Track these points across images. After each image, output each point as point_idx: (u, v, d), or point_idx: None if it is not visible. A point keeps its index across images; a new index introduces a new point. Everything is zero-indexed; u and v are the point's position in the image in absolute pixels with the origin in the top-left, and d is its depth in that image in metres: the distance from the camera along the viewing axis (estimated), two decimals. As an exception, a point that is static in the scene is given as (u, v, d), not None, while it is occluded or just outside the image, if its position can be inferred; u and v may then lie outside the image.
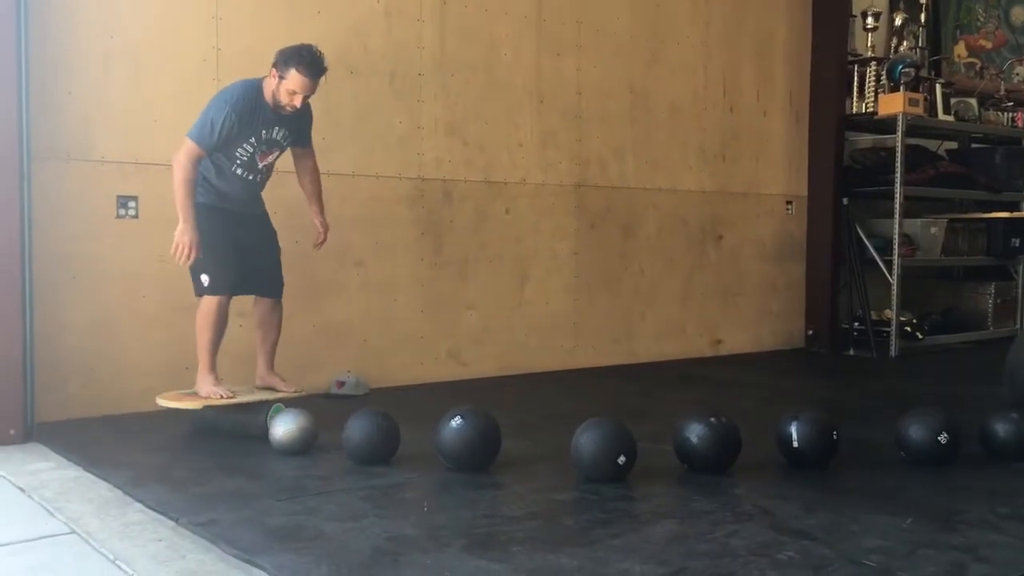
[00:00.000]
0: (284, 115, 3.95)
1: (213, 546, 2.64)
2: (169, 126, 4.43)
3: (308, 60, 3.85)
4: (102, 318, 4.31)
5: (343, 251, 4.93)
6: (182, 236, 3.83)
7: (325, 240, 4.29)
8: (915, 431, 3.53)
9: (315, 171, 4.26)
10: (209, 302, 3.97)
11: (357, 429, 3.50)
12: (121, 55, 4.35)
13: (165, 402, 3.97)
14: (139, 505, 3.02)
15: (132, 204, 4.39)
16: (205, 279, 3.95)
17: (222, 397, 3.93)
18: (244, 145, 3.92)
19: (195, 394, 4.01)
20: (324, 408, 4.24)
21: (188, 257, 3.84)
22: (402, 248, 5.22)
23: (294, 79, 3.84)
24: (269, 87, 3.90)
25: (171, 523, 2.85)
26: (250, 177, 4.02)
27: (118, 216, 4.36)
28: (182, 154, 3.84)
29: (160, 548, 2.64)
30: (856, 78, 6.92)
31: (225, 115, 3.81)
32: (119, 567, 2.50)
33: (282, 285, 4.21)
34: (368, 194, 5.07)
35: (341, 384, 4.84)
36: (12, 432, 3.87)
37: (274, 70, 3.88)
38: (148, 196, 4.40)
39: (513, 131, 5.61)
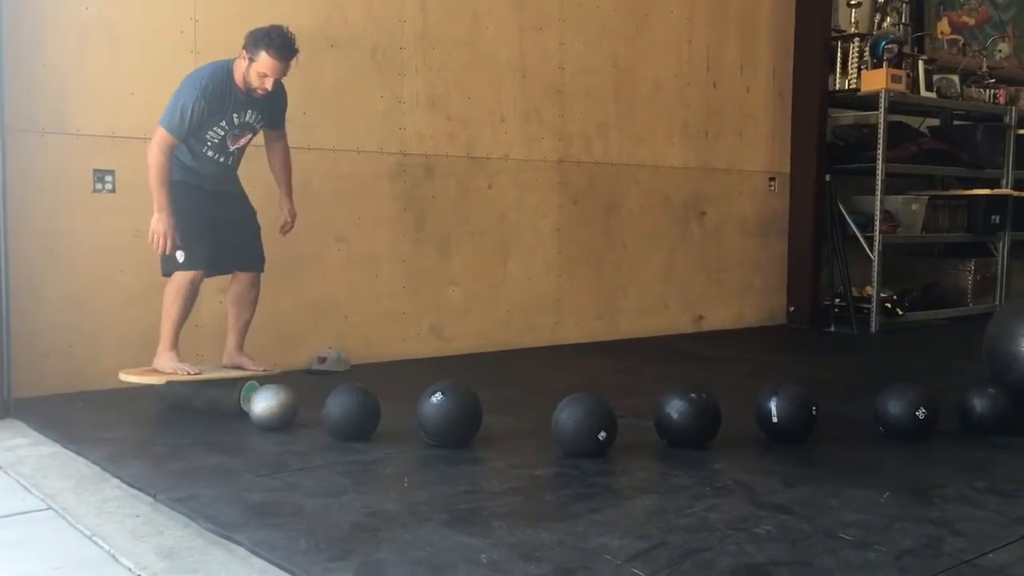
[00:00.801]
0: (256, 98, 3.88)
1: (191, 522, 2.63)
2: (146, 99, 4.38)
3: (279, 42, 3.77)
4: (79, 294, 4.27)
5: (324, 227, 4.90)
6: (158, 225, 3.79)
7: (292, 227, 4.24)
8: (893, 406, 3.56)
9: (286, 155, 4.20)
10: (182, 277, 3.89)
11: (338, 405, 3.49)
12: (97, 27, 4.29)
13: (129, 377, 3.90)
14: (117, 481, 3.01)
15: (108, 178, 4.34)
16: (180, 255, 3.88)
17: (188, 374, 3.87)
18: (215, 128, 3.86)
19: (155, 371, 3.94)
20: (305, 384, 4.23)
21: (164, 246, 3.81)
22: (384, 224, 5.19)
23: (264, 62, 3.77)
24: (239, 69, 3.82)
25: (149, 499, 2.83)
26: (221, 159, 3.96)
27: (95, 190, 4.31)
28: (155, 144, 3.79)
29: (138, 524, 2.63)
30: (839, 54, 6.91)
31: (195, 100, 3.75)
32: (96, 543, 2.49)
33: (263, 260, 4.16)
34: (349, 169, 5.03)
35: (322, 360, 4.83)
36: (-11, 408, 3.84)
37: (244, 52, 3.81)
38: (125, 170, 4.35)
39: (496, 106, 5.57)
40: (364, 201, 5.11)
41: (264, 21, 3.88)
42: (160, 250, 3.83)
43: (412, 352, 5.26)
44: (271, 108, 4.02)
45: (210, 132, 3.86)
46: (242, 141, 3.99)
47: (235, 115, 3.88)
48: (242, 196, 4.15)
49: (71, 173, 4.25)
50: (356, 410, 3.49)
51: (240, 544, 2.45)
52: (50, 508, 2.77)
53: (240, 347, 4.14)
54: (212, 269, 4.02)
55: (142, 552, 2.42)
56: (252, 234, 4.14)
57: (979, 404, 3.65)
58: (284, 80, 3.96)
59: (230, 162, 4.01)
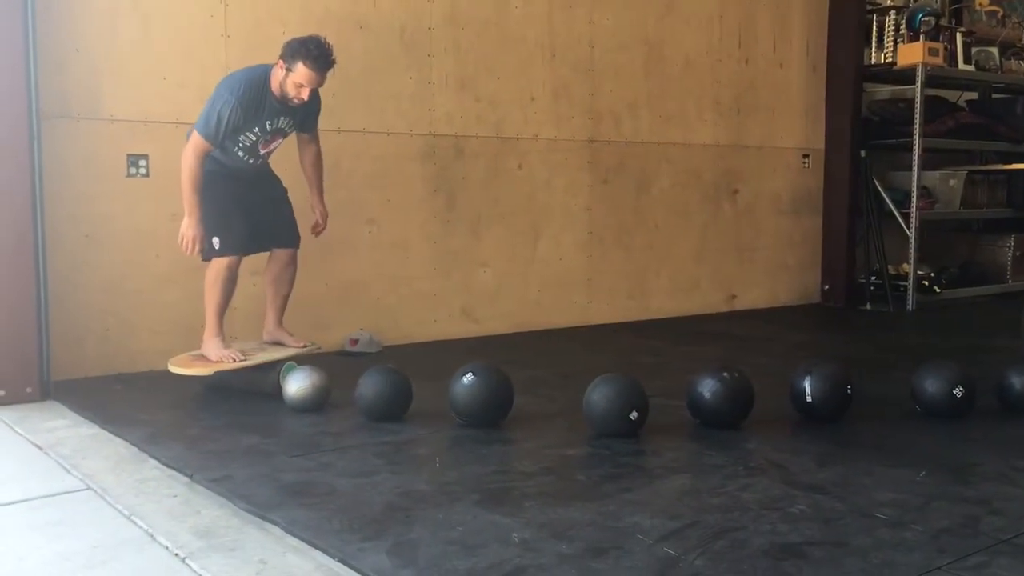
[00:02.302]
0: (290, 106, 3.90)
1: (227, 502, 2.66)
2: (177, 83, 4.41)
3: (315, 53, 3.78)
4: (116, 278, 4.33)
5: (355, 209, 4.91)
6: (187, 229, 3.84)
7: (324, 228, 4.26)
8: (930, 384, 3.52)
9: (318, 158, 4.21)
10: (219, 263, 3.95)
11: (370, 386, 3.51)
12: (128, 11, 4.31)
13: (177, 368, 3.98)
14: (154, 462, 3.05)
15: (143, 163, 4.37)
16: (216, 241, 3.93)
17: (233, 360, 3.93)
18: (247, 134, 3.89)
19: (203, 357, 4.01)
20: (337, 365, 4.26)
21: (193, 250, 3.87)
22: (414, 205, 5.20)
23: (301, 72, 3.78)
24: (276, 78, 3.84)
25: (186, 479, 2.87)
26: (251, 161, 3.99)
27: (129, 175, 4.35)
28: (189, 149, 3.81)
29: (175, 504, 2.67)
30: (875, 27, 6.79)
31: (232, 108, 3.77)
32: (134, 522, 2.53)
33: (298, 236, 4.21)
34: (379, 151, 5.04)
35: (355, 342, 4.86)
36: (29, 391, 3.90)
37: (281, 62, 3.83)
38: (158, 154, 4.38)
39: (525, 85, 5.54)
40: (394, 183, 5.11)
41: (294, 5, 3.89)
42: (189, 253, 3.89)
43: (443, 333, 5.27)
44: (304, 113, 4.04)
45: (242, 136, 3.89)
46: (272, 145, 4.03)
47: (268, 122, 3.90)
48: (272, 175, 4.19)
49: (105, 158, 4.29)
50: (388, 391, 3.51)
51: (275, 523, 2.48)
52: (89, 488, 2.82)
53: (279, 322, 4.20)
54: (249, 251, 4.07)
55: (179, 531, 2.45)
56: (286, 211, 4.19)
57: (1018, 382, 3.59)
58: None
59: (258, 163, 4.05)
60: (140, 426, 3.43)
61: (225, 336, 4.04)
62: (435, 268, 5.28)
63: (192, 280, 4.43)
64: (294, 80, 3.80)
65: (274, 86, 3.85)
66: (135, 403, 3.81)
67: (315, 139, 4.20)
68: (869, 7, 6.83)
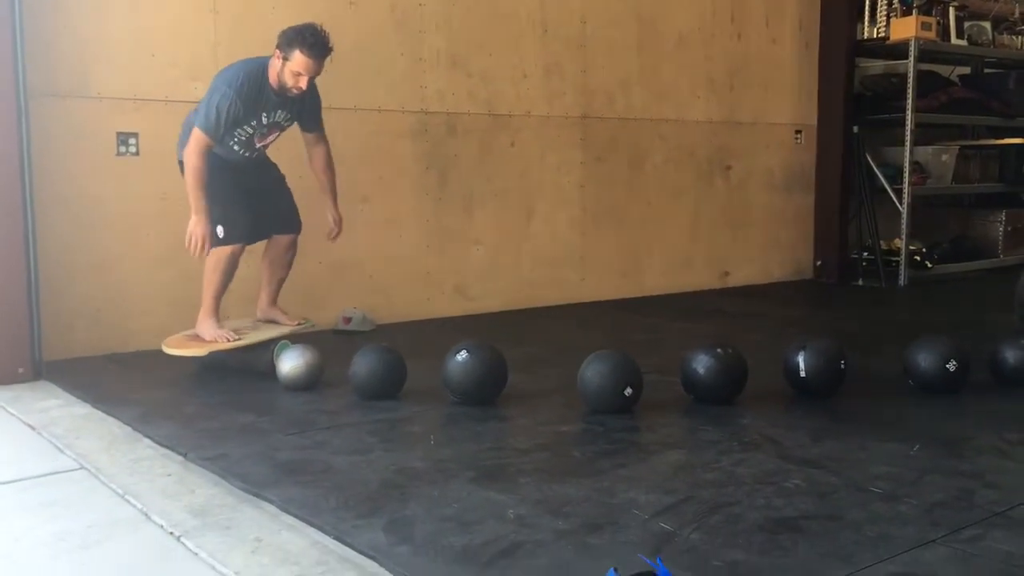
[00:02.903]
0: (288, 98, 3.84)
1: (222, 480, 2.66)
2: (167, 61, 4.37)
3: (311, 40, 3.72)
4: (106, 257, 4.30)
5: (348, 187, 4.84)
6: (195, 228, 3.80)
7: (339, 232, 4.23)
8: (923, 359, 3.52)
9: (328, 160, 4.14)
10: (222, 251, 3.92)
11: (364, 364, 3.51)
12: (115, -12, 4.26)
13: (171, 349, 3.98)
14: (148, 441, 3.04)
15: (132, 141, 4.34)
16: (220, 230, 3.88)
17: (228, 340, 3.92)
18: (244, 127, 3.84)
19: (197, 337, 4.00)
20: (331, 344, 4.25)
21: (202, 249, 3.82)
22: (407, 183, 5.17)
23: (299, 61, 3.73)
24: (274, 69, 3.78)
25: (180, 458, 2.87)
26: (246, 154, 3.96)
27: (119, 154, 4.31)
28: (192, 147, 3.76)
29: (169, 483, 2.66)
30: (868, 2, 6.75)
31: (231, 102, 3.72)
32: (128, 501, 2.53)
33: (299, 222, 4.18)
34: (371, 129, 5.00)
35: (348, 320, 4.85)
36: (21, 371, 3.89)
37: (278, 51, 3.76)
38: (148, 133, 4.35)
39: (517, 62, 5.50)
40: (386, 161, 5.08)
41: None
42: (197, 254, 3.85)
43: (436, 311, 5.26)
44: (302, 109, 3.98)
45: (239, 131, 3.84)
46: (269, 139, 3.99)
47: (265, 115, 3.86)
48: (268, 162, 4.16)
49: (94, 136, 4.25)
50: (382, 369, 3.51)
51: (270, 501, 2.48)
52: (83, 468, 2.81)
53: (273, 301, 4.19)
54: (251, 240, 4.06)
55: (174, 510, 2.45)
56: (285, 197, 4.16)
57: (1011, 356, 3.60)
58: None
59: (254, 156, 4.01)
60: (133, 405, 3.42)
61: (220, 316, 4.03)
62: (428, 246, 5.26)
63: (184, 259, 4.39)
64: (292, 69, 3.74)
65: (272, 77, 3.79)
66: (128, 383, 3.80)
67: (322, 139, 4.12)
68: (862, -19, 6.80)
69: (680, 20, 6.14)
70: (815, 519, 2.32)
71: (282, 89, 3.80)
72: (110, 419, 3.30)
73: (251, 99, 3.77)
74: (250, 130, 3.87)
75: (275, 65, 3.78)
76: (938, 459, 2.77)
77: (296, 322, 4.15)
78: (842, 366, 3.46)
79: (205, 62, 4.45)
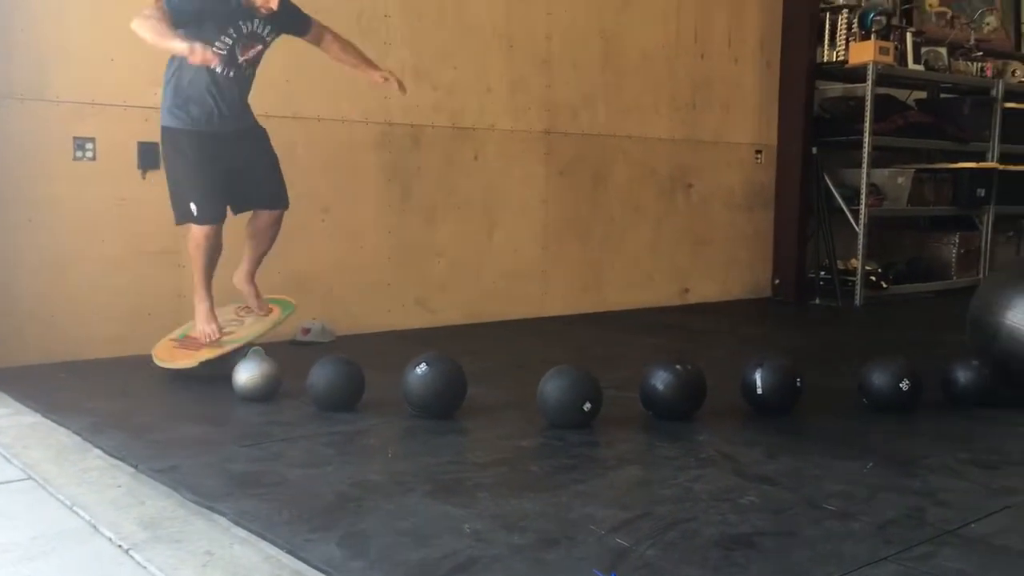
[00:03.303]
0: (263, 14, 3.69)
1: (174, 492, 2.61)
2: (126, 65, 4.32)
3: None
4: (61, 263, 4.23)
5: (309, 197, 4.84)
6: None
7: (398, 82, 4.09)
8: (877, 378, 3.57)
9: (340, 42, 4.03)
10: (198, 231, 3.83)
11: (322, 375, 3.47)
12: (75, -9, 4.21)
13: (160, 362, 3.93)
14: (98, 451, 2.98)
15: (89, 146, 4.27)
16: (193, 208, 3.79)
17: (210, 339, 3.89)
18: (223, 37, 3.65)
19: (185, 343, 3.94)
20: (289, 355, 4.20)
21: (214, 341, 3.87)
22: (369, 194, 5.15)
23: None
24: None
25: (131, 469, 2.81)
26: (229, 73, 3.75)
27: (75, 158, 4.25)
28: (142, 18, 3.50)
29: (119, 494, 2.61)
30: (828, 26, 6.87)
31: None
32: (76, 513, 2.47)
33: (286, 198, 4.05)
34: (334, 139, 4.98)
35: (307, 331, 4.81)
36: (-31, 378, 3.80)
37: None
38: (106, 137, 4.29)
39: (482, 76, 5.52)
40: (349, 172, 5.06)
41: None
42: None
43: (397, 324, 5.23)
44: (280, 20, 3.80)
45: (217, 43, 3.63)
46: (251, 52, 3.78)
47: (242, 22, 3.68)
48: (256, 131, 3.99)
49: (51, 140, 4.19)
50: (341, 381, 3.47)
51: (222, 514, 2.44)
52: (30, 478, 2.75)
53: (251, 277, 4.12)
54: (233, 212, 3.96)
55: (123, 522, 2.40)
56: (270, 171, 4.01)
57: (962, 376, 3.66)
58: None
59: (238, 78, 3.80)
60: (84, 415, 3.35)
61: (212, 305, 3.97)
62: (389, 258, 5.24)
63: (141, 265, 4.36)
64: None
65: None
66: (79, 391, 3.73)
67: (322, 29, 3.99)
68: (822, 5, 6.91)
69: (644, 38, 6.20)
70: (770, 536, 2.33)
71: (252, 8, 3.66)
72: (60, 429, 3.23)
73: (208, 5, 3.60)
74: (229, 40, 3.67)
75: None
76: (891, 477, 2.80)
77: (265, 311, 4.10)
78: (798, 384, 3.50)
79: (165, 67, 4.40)
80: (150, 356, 4.02)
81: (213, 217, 3.84)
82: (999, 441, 3.23)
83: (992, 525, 2.42)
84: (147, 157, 4.38)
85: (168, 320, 4.44)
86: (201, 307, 3.95)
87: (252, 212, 4.05)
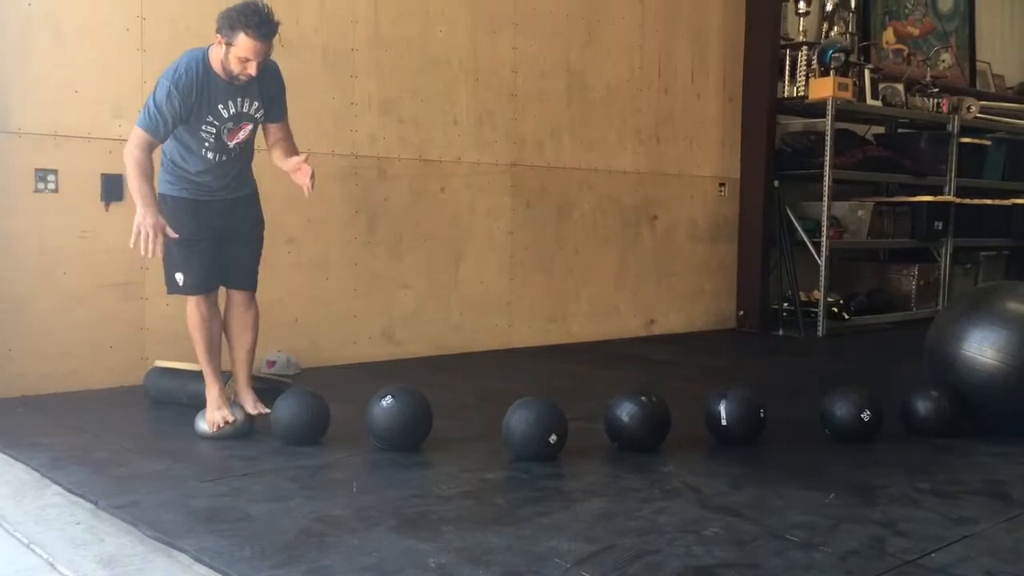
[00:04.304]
0: (244, 85, 3.45)
1: (134, 529, 2.57)
2: (91, 97, 4.31)
3: (256, 20, 3.31)
4: (21, 296, 4.17)
5: (275, 228, 4.76)
6: (143, 220, 3.28)
7: (306, 183, 3.55)
8: (839, 408, 3.62)
9: (289, 145, 3.69)
10: (190, 304, 3.61)
11: (286, 409, 3.45)
12: (40, 23, 4.19)
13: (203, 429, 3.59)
14: (57, 488, 2.93)
15: (51, 178, 4.24)
16: (180, 277, 3.57)
17: (221, 425, 3.53)
18: (204, 126, 3.45)
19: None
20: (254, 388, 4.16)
21: (154, 244, 3.30)
22: (335, 226, 5.14)
23: (244, 44, 3.31)
24: (216, 57, 3.40)
25: (90, 506, 2.77)
26: (224, 159, 3.55)
27: (36, 190, 4.21)
28: (130, 143, 3.38)
29: (78, 531, 2.57)
30: (788, 62, 7.01)
31: (167, 94, 3.34)
32: (33, 551, 2.43)
33: (255, 279, 3.78)
34: (300, 171, 4.97)
35: (272, 363, 4.77)
36: (-76, 414, 3.73)
37: (219, 36, 3.35)
38: (68, 169, 4.26)
39: (448, 109, 5.55)
40: (315, 203, 5.01)
41: (213, 18, 3.77)
42: (149, 252, 3.32)
43: (363, 356, 5.21)
44: (266, 95, 3.57)
45: (203, 131, 3.47)
46: (241, 135, 3.56)
47: (221, 106, 3.45)
48: (252, 202, 3.76)
49: (12, 172, 4.15)
50: (305, 414, 3.45)
51: (183, 551, 2.41)
52: (-14, 516, 2.70)
53: (248, 383, 3.77)
54: (212, 288, 3.68)
55: (82, 560, 2.36)
56: (254, 248, 3.78)
57: (922, 406, 3.72)
58: None
59: (233, 158, 3.59)
60: (43, 450, 3.30)
61: (221, 387, 3.65)
62: (355, 289, 5.23)
63: (101, 299, 4.32)
64: (237, 55, 3.33)
65: (216, 66, 3.40)
66: (38, 427, 3.67)
67: (286, 134, 3.68)
68: (783, 42, 7.05)
69: (609, 73, 6.28)
70: (734, 567, 2.34)
71: (229, 78, 3.41)
72: (18, 464, 3.18)
73: (194, 89, 3.38)
74: (213, 128, 3.47)
75: (216, 52, 3.39)
76: (852, 507, 2.83)
77: (258, 412, 3.69)
78: (762, 415, 3.53)
79: (131, 100, 4.39)
80: (111, 389, 3.95)
81: (200, 288, 3.60)
82: (958, 471, 3.27)
83: (952, 555, 2.45)
84: (110, 189, 4.35)
85: (131, 353, 4.40)
86: (208, 393, 3.60)
87: (227, 294, 3.75)
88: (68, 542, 2.48)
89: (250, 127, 3.60)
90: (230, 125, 3.52)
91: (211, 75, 3.43)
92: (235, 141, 3.56)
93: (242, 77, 3.42)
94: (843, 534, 2.59)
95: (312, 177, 3.56)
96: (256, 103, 3.56)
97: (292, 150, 3.69)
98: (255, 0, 3.39)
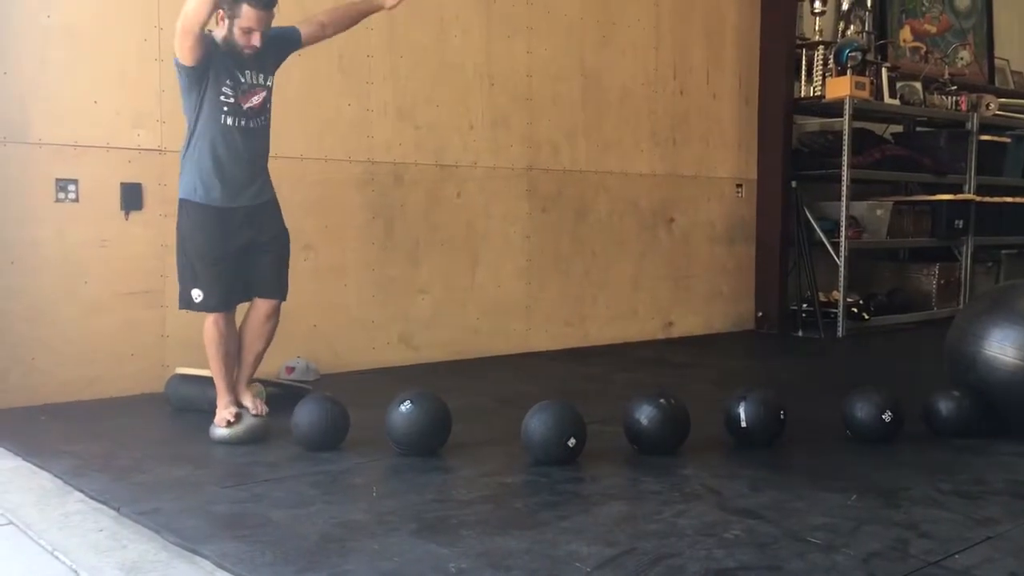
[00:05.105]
0: (249, 58, 3.53)
1: (156, 535, 2.59)
2: (109, 108, 4.35)
3: None
4: (42, 305, 4.21)
5: (292, 235, 4.78)
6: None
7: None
8: (860, 410, 3.59)
9: (328, 16, 3.85)
10: (207, 320, 3.60)
11: (306, 415, 3.46)
12: (59, 35, 4.24)
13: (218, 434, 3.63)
14: (80, 495, 2.96)
15: (72, 187, 4.28)
16: (197, 294, 3.56)
17: (229, 419, 3.58)
18: (226, 86, 3.51)
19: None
20: (273, 394, 4.18)
21: None
22: (352, 232, 5.16)
23: (247, 15, 3.44)
24: (220, 34, 3.50)
25: (113, 512, 2.79)
26: (241, 123, 3.56)
27: (57, 200, 4.25)
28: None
29: (101, 538, 2.58)
30: (804, 62, 6.98)
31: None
32: (58, 558, 2.45)
33: (286, 287, 3.77)
34: (317, 177, 5.00)
35: (291, 370, 4.79)
36: (-52, 422, 3.77)
37: (221, 12, 3.46)
38: (88, 179, 4.30)
39: (464, 114, 5.57)
40: (332, 210, 5.08)
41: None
42: None
43: (381, 361, 5.23)
44: (272, 55, 3.66)
45: (223, 92, 3.52)
46: (255, 99, 3.59)
47: (237, 72, 3.54)
48: (270, 210, 3.75)
49: (33, 183, 4.19)
50: (324, 420, 3.46)
51: (205, 557, 2.42)
52: (11, 523, 2.72)
53: (247, 382, 3.78)
54: (231, 305, 3.68)
55: (105, 567, 2.38)
56: (279, 257, 3.76)
57: (944, 407, 3.69)
58: None
59: (251, 132, 3.61)
60: (66, 458, 3.33)
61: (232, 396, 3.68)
62: (373, 295, 5.24)
63: (121, 308, 4.36)
64: (240, 25, 3.45)
65: (220, 42, 3.50)
66: (61, 434, 3.70)
67: (313, 25, 3.80)
68: (799, 42, 7.02)
69: (624, 75, 6.28)
70: (755, 570, 2.33)
71: (234, 52, 3.50)
72: (41, 472, 3.21)
73: (211, 54, 3.47)
74: (230, 91, 3.53)
75: (220, 29, 3.50)
76: (874, 509, 2.81)
77: (255, 412, 3.69)
78: (781, 416, 3.52)
79: (150, 109, 4.44)
80: (132, 397, 3.98)
81: (216, 305, 3.58)
82: (980, 471, 3.25)
83: (975, 556, 2.43)
84: (130, 198, 4.40)
85: (152, 361, 4.44)
86: (222, 400, 3.65)
87: (251, 304, 3.74)
88: (91, 549, 2.50)
89: (263, 93, 3.66)
90: (244, 88, 3.58)
91: (216, 50, 3.52)
92: (248, 104, 3.60)
93: (247, 50, 3.51)
94: (865, 536, 2.57)
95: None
96: (264, 72, 3.65)
97: (335, 17, 3.88)
98: None
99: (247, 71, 3.60)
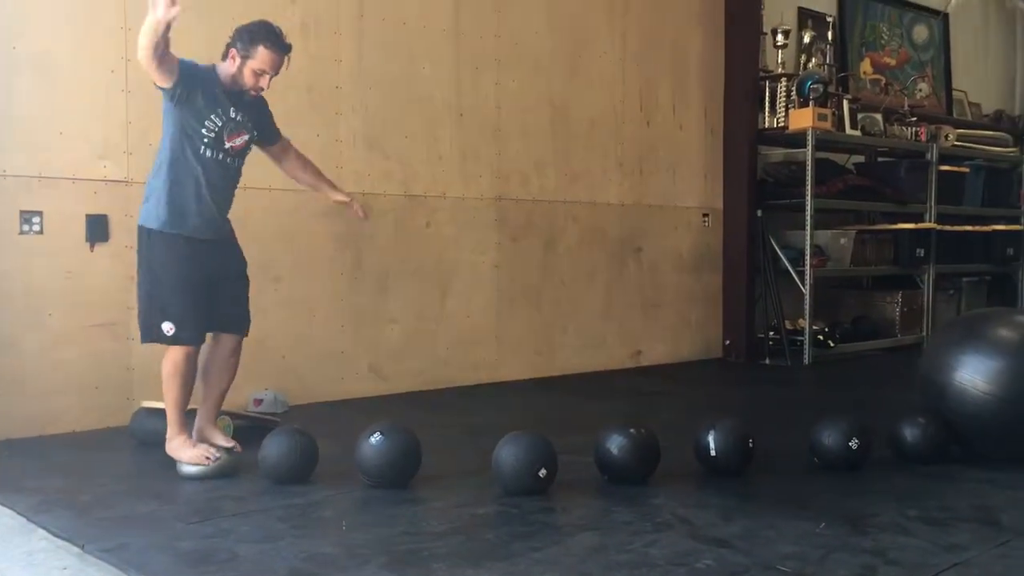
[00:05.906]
0: (243, 100, 3.56)
1: (121, 573, 2.55)
2: (75, 139, 4.32)
3: (276, 35, 3.49)
4: (5, 338, 4.15)
5: (261, 267, 4.79)
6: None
7: (360, 208, 4.06)
8: (827, 437, 3.63)
9: (302, 159, 3.96)
10: (177, 354, 3.49)
11: (274, 447, 3.43)
12: (25, 66, 4.21)
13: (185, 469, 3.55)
14: (43, 532, 2.90)
15: (36, 220, 4.23)
16: (169, 327, 3.45)
17: (208, 459, 3.50)
18: (211, 118, 3.48)
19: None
20: (240, 427, 4.14)
21: (172, 8, 3.16)
22: (322, 263, 5.15)
23: (263, 57, 3.45)
24: (227, 70, 3.50)
25: (77, 550, 2.74)
26: (220, 157, 3.54)
27: (22, 232, 4.20)
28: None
29: (65, 576, 2.54)
30: (768, 94, 7.10)
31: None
32: (20, 598, 2.40)
33: (248, 321, 3.75)
34: (286, 208, 4.99)
35: (259, 402, 4.75)
36: (-93, 459, 3.69)
37: (234, 51, 3.47)
38: (53, 211, 4.26)
39: (433, 144, 5.59)
40: (301, 240, 5.07)
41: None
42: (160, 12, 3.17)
43: (351, 392, 5.20)
44: (258, 117, 3.69)
45: (207, 121, 3.48)
46: (238, 141, 3.59)
47: (220, 109, 3.51)
48: (232, 243, 3.74)
49: (-4, 214, 4.15)
50: (293, 452, 3.43)
51: (172, 594, 2.39)
52: (-29, 562, 2.67)
53: (213, 419, 3.74)
54: (202, 339, 3.62)
55: (69, 606, 2.34)
56: (242, 291, 3.74)
57: (910, 433, 3.73)
58: None
59: (227, 163, 3.59)
60: (29, 494, 3.27)
61: (190, 434, 3.62)
62: (342, 326, 5.22)
63: (86, 340, 4.31)
64: (253, 67, 3.47)
65: (225, 79, 3.51)
66: (23, 470, 3.63)
67: (287, 145, 3.92)
68: (762, 74, 7.15)
69: (591, 107, 6.35)
70: (726, 599, 2.34)
71: (236, 87, 3.52)
72: (3, 509, 3.14)
73: (198, 74, 3.47)
74: (218, 122, 3.50)
75: (228, 66, 3.50)
76: (843, 536, 2.84)
77: (231, 445, 3.67)
78: (750, 445, 3.54)
79: (116, 141, 4.42)
80: (97, 431, 3.93)
81: (191, 337, 3.51)
82: (947, 498, 3.29)
83: (942, 582, 2.45)
84: (95, 230, 4.36)
85: (117, 394, 4.38)
86: (177, 440, 3.55)
87: (211, 338, 3.69)
88: (55, 587, 2.46)
89: (245, 137, 3.64)
90: (231, 128, 3.58)
91: (216, 84, 3.52)
92: (231, 143, 3.58)
93: (253, 92, 3.55)
94: (834, 563, 2.59)
95: (362, 213, 4.11)
96: (248, 120, 3.65)
97: (305, 162, 3.99)
98: (267, 20, 3.56)
99: (240, 113, 3.60)
